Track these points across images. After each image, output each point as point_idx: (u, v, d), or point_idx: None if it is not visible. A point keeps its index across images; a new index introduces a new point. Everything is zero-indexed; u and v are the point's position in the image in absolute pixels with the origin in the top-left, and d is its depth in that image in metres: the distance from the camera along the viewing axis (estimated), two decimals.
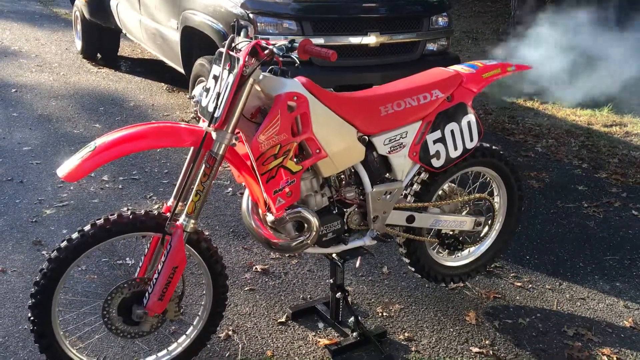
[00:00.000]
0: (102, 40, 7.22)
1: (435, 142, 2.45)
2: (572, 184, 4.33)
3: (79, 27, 7.36)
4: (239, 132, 2.13)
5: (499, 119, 5.87)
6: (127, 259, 3.06)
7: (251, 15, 3.95)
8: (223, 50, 2.06)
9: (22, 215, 3.51)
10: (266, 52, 1.99)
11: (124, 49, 7.91)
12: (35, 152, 4.47)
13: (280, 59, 2.00)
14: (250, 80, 2.00)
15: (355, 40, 4.27)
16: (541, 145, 5.15)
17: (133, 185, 3.98)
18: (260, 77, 2.08)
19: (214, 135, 2.03)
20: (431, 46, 4.70)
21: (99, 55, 7.36)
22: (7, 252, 3.12)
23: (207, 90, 2.12)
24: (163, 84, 6.43)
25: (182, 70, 5.10)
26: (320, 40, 4.16)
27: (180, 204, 2.14)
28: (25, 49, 7.72)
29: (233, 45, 2.11)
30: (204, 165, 2.04)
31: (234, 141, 2.03)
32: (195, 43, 4.76)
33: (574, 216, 3.80)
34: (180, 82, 6.26)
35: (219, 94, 2.00)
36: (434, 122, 2.44)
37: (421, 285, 2.96)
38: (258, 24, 3.95)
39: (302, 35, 4.02)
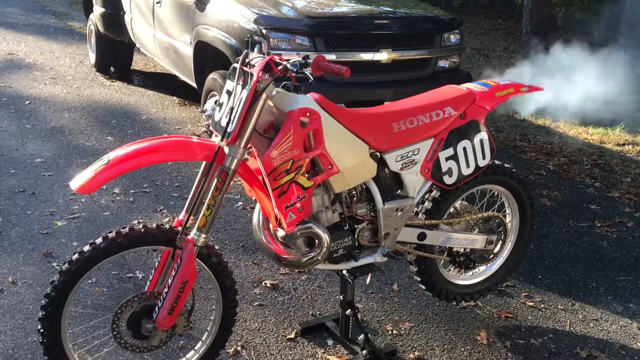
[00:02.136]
0: (115, 54, 7.29)
1: (447, 159, 2.44)
2: (584, 203, 4.29)
3: (93, 40, 7.45)
4: (251, 147, 2.13)
5: (510, 137, 5.85)
6: (137, 272, 3.06)
7: (264, 31, 3.98)
8: (237, 65, 2.07)
9: (33, 226, 3.52)
10: (280, 67, 2.00)
11: (137, 63, 7.99)
12: (47, 164, 4.50)
13: (294, 75, 2.00)
14: (264, 95, 2.01)
15: (367, 56, 4.28)
16: (553, 164, 5.13)
17: (144, 198, 3.99)
18: (274, 92, 2.08)
19: (226, 149, 2.03)
20: (443, 63, 4.71)
21: (112, 68, 7.43)
22: (18, 263, 3.13)
23: (220, 105, 2.13)
24: (175, 97, 6.48)
25: (194, 85, 5.14)
26: (332, 56, 4.17)
27: (191, 217, 2.14)
28: (40, 61, 7.81)
29: (247, 60, 2.12)
30: (215, 180, 2.04)
31: (246, 156, 2.04)
32: (208, 58, 4.79)
33: (587, 235, 3.76)
34: (191, 96, 6.30)
35: (232, 109, 2.01)
36: (447, 140, 2.43)
37: (432, 303, 2.93)
38: (271, 40, 3.98)
39: (315, 52, 4.04)
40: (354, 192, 2.36)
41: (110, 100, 6.27)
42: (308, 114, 2.08)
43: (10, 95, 6.20)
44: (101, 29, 7.00)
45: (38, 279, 2.99)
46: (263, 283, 3.04)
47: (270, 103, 2.12)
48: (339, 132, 2.20)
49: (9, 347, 2.49)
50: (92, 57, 7.56)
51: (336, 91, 4.06)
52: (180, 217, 2.19)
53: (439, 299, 2.80)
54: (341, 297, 2.50)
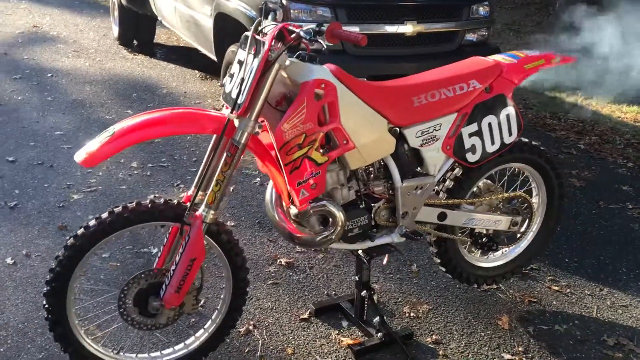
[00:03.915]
0: (138, 27, 7.23)
1: (471, 135, 2.32)
2: (615, 184, 4.11)
3: (116, 13, 7.40)
4: (263, 120, 2.04)
5: (539, 114, 5.64)
6: (151, 247, 3.01)
7: (284, 2, 3.85)
8: (249, 33, 1.97)
9: (49, 199, 3.50)
10: (293, 35, 1.89)
11: (160, 36, 7.92)
12: (67, 137, 4.47)
13: (308, 43, 1.89)
14: (276, 65, 1.90)
15: (391, 28, 4.12)
16: (584, 143, 4.93)
17: (161, 172, 3.93)
18: (287, 62, 1.97)
19: (236, 122, 1.94)
20: (470, 36, 4.52)
21: (135, 42, 7.38)
22: (33, 236, 3.11)
23: (232, 75, 2.03)
24: (196, 71, 6.40)
25: (214, 58, 5.04)
26: (355, 29, 4.03)
27: (200, 193, 2.06)
28: (64, 34, 7.78)
29: (260, 28, 2.01)
30: (225, 154, 1.95)
31: (257, 129, 1.94)
32: (228, 30, 4.68)
33: (617, 218, 3.60)
34: (213, 69, 6.21)
35: (242, 80, 1.91)
36: (471, 115, 2.30)
37: (452, 285, 2.83)
38: (291, 11, 3.85)
39: None
40: (371, 169, 2.26)
41: (132, 74, 6.22)
42: (323, 85, 1.97)
43: (33, 68, 6.19)
44: (124, 2, 6.92)
45: (52, 252, 2.96)
46: (278, 261, 2.96)
47: (284, 74, 2.01)
48: (356, 106, 2.08)
49: (20, 321, 2.46)
50: (115, 30, 7.50)
51: (358, 65, 3.92)
52: (190, 192, 2.11)
53: (460, 282, 2.69)
54: (357, 277, 2.41)
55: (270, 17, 2.08)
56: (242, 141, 1.93)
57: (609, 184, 4.11)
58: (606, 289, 2.87)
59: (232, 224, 3.32)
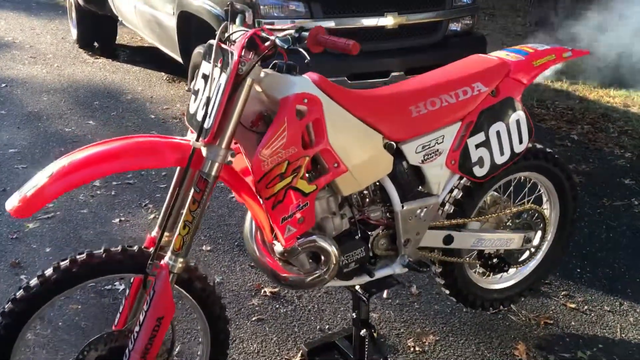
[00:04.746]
0: (98, 28, 6.78)
1: (477, 146, 2.01)
2: (617, 177, 3.86)
3: (74, 14, 6.94)
4: (236, 143, 1.70)
5: (526, 103, 5.38)
6: (117, 282, 2.66)
7: None
8: (214, 42, 1.63)
9: (2, 230, 3.12)
10: (267, 44, 1.56)
11: (123, 37, 7.48)
12: (21, 155, 4.07)
13: (285, 51, 1.56)
14: (248, 80, 1.57)
15: (370, 22, 3.81)
16: (576, 133, 4.68)
17: (127, 191, 3.57)
18: (262, 75, 1.64)
19: (204, 151, 1.60)
20: (455, 26, 4.22)
21: (96, 44, 6.93)
22: None
23: (196, 92, 1.69)
24: (163, 73, 6.00)
25: (180, 60, 4.67)
26: (330, 24, 3.71)
27: (166, 234, 1.73)
28: (20, 39, 7.31)
29: (227, 35, 1.68)
30: (193, 190, 1.61)
31: (229, 158, 1.60)
32: (193, 30, 4.32)
33: (624, 217, 3.34)
34: (180, 71, 5.81)
35: (208, 99, 1.57)
36: (477, 123, 1.99)
37: (458, 309, 2.54)
38: (261, 7, 3.50)
39: (311, 18, 3.56)
40: (365, 193, 1.94)
41: (93, 79, 5.81)
42: (306, 100, 1.65)
43: None
44: (81, 2, 6.47)
45: (3, 296, 2.59)
46: (262, 291, 2.64)
47: (258, 88, 1.68)
48: (346, 121, 1.76)
49: None
50: (74, 33, 7.05)
51: (336, 63, 3.59)
52: (153, 233, 1.77)
53: (465, 307, 2.39)
54: (354, 314, 2.10)
55: (238, 20, 1.74)
56: (212, 174, 1.59)
57: (609, 177, 3.86)
58: (626, 302, 2.61)
59: (208, 248, 2.98)
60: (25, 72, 5.98)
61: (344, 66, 3.67)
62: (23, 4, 9.49)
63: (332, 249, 1.78)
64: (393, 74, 3.88)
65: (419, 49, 4.02)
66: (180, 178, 1.67)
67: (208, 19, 3.89)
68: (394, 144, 1.89)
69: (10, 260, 2.86)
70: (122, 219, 3.26)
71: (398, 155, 1.91)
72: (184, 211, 1.62)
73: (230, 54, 1.56)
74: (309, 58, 1.50)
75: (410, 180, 1.95)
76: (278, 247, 1.78)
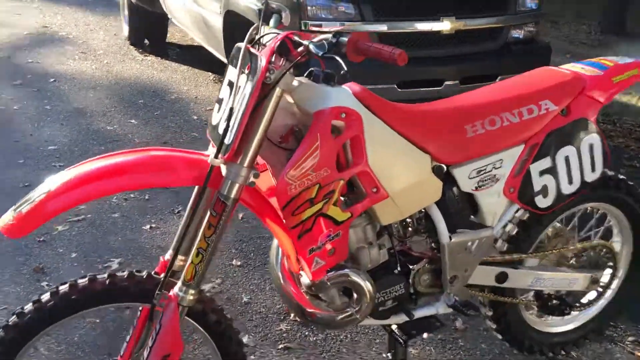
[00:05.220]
0: (149, 26, 6.74)
1: (542, 173, 1.74)
2: None
3: (126, 11, 6.94)
4: (261, 164, 1.50)
5: None
6: None
7: None
8: (241, 45, 1.43)
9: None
10: (300, 49, 1.34)
11: (174, 35, 7.43)
12: (60, 153, 4.00)
13: (321, 59, 1.34)
14: (277, 90, 1.36)
15: (425, 26, 3.55)
16: None
17: (162, 195, 3.43)
18: (294, 84, 1.43)
19: (223, 170, 1.40)
20: (517, 33, 3.92)
21: (146, 41, 6.89)
22: (3, 280, 2.64)
23: (220, 101, 1.49)
24: (210, 73, 5.89)
25: (225, 60, 4.52)
26: (382, 27, 3.48)
27: (180, 258, 1.53)
28: (73, 34, 7.36)
29: (257, 38, 1.47)
30: (209, 214, 1.42)
31: (252, 179, 1.40)
32: (239, 30, 4.15)
33: None
34: None
35: (231, 110, 1.37)
36: (542, 146, 1.73)
37: (508, 350, 2.26)
38: (309, 8, 3.31)
39: (361, 21, 3.34)
40: (408, 221, 1.70)
41: (141, 77, 5.75)
42: (343, 115, 1.43)
43: (35, 72, 5.75)
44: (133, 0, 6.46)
45: (21, 303, 2.46)
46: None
47: (290, 99, 1.47)
48: (389, 140, 1.53)
49: None
50: (126, 30, 7.04)
51: (384, 69, 3.34)
52: (167, 256, 1.58)
53: (520, 352, 2.12)
54: (389, 355, 1.86)
55: (272, 21, 1.53)
56: (232, 196, 1.39)
57: None
58: None
59: (238, 263, 2.80)
60: (74, 67, 5.98)
61: (394, 72, 3.42)
62: None
63: (367, 285, 1.56)
64: (447, 82, 3.61)
65: (476, 57, 3.75)
66: (197, 198, 1.47)
67: (254, 19, 3.72)
68: (444, 167, 1.64)
69: (34, 265, 2.75)
70: (153, 225, 3.12)
71: (448, 180, 1.66)
72: (198, 237, 1.42)
73: (258, 59, 1.35)
74: (345, 68, 1.28)
75: (461, 209, 1.70)
76: (305, 280, 1.56)
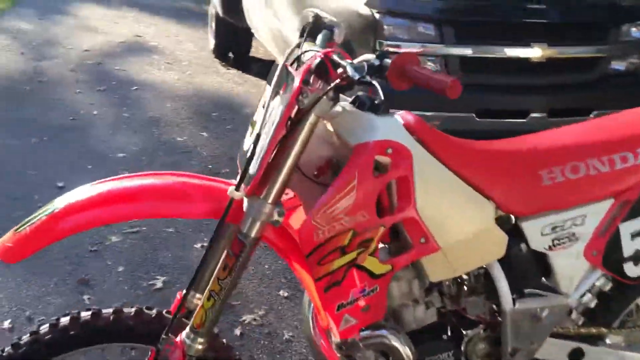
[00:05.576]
0: (234, 39, 6.81)
1: (634, 236, 1.45)
2: None
3: (213, 24, 7.05)
4: (290, 199, 1.31)
5: None
6: None
7: (377, 15, 3.11)
8: (280, 62, 1.25)
9: (84, 240, 2.97)
10: (340, 71, 1.14)
11: (259, 50, 7.44)
12: (127, 161, 4.00)
13: (360, 81, 1.13)
14: (312, 116, 1.17)
15: (513, 52, 3.25)
16: None
17: None
18: (337, 109, 1.23)
19: (245, 204, 1.22)
20: (618, 65, 3.52)
21: (230, 54, 6.97)
22: (46, 291, 2.58)
23: (253, 124, 1.32)
24: None
25: None
26: (466, 51, 3.21)
27: (196, 297, 1.36)
28: (162, 45, 7.54)
29: (298, 54, 1.29)
30: (225, 253, 1.23)
31: (276, 218, 1.20)
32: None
33: None
34: None
35: (258, 137, 1.19)
36: (637, 203, 1.42)
37: None
38: (385, 27, 3.11)
39: (441, 43, 3.10)
40: (465, 277, 1.45)
41: (219, 90, 5.76)
42: (390, 150, 1.21)
43: (120, 80, 5.89)
44: (220, 12, 6.53)
45: (58, 311, 2.40)
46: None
47: (330, 127, 1.27)
48: (445, 182, 1.30)
49: None
50: (212, 42, 7.14)
51: (462, 95, 3.08)
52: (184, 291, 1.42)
53: None
54: None
55: (320, 37, 1.34)
56: (252, 235, 1.21)
57: None
58: None
59: (285, 294, 2.61)
60: (158, 76, 6.08)
61: (472, 99, 3.14)
62: (175, 11, 9.91)
63: (406, 351, 1.32)
64: (533, 114, 3.28)
65: (568, 88, 3.39)
66: (216, 232, 1.30)
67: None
68: (512, 219, 1.38)
69: (80, 276, 2.69)
70: (205, 244, 3.00)
71: (515, 234, 1.40)
72: (211, 279, 1.24)
73: (292, 80, 1.16)
74: (382, 98, 1.06)
75: (530, 270, 1.44)
76: (335, 337, 1.34)
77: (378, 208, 1.22)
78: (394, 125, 1.24)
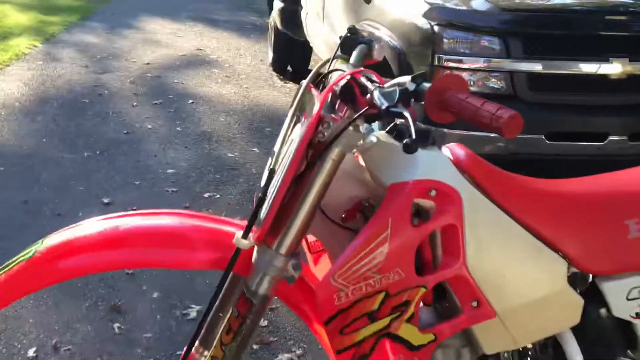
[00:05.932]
0: (292, 53, 6.73)
1: None
2: None
3: (272, 38, 7.01)
4: (315, 247, 1.09)
5: None
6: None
7: (436, 28, 2.86)
8: (305, 82, 1.04)
9: None
10: (368, 97, 0.92)
11: (318, 63, 7.32)
12: (176, 178, 3.90)
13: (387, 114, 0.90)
14: (335, 150, 0.95)
15: (589, 68, 2.92)
16: None
17: None
18: (371, 140, 1.00)
19: (254, 255, 1.01)
20: None
21: (289, 68, 6.88)
22: (78, 316, 2.46)
23: (273, 155, 1.11)
24: None
25: None
26: (536, 67, 2.92)
27: (205, 354, 1.16)
28: (223, 58, 7.54)
29: (325, 72, 1.07)
30: (230, 312, 1.03)
31: (291, 273, 0.98)
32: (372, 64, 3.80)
33: None
34: None
35: (272, 173, 0.98)
36: None
37: None
38: (444, 41, 2.86)
39: (507, 58, 2.81)
40: (529, 346, 1.18)
41: (274, 104, 5.64)
42: (434, 192, 0.98)
43: (177, 93, 5.88)
44: (279, 26, 6.46)
45: (87, 346, 2.27)
46: None
47: (361, 161, 1.04)
48: (504, 233, 1.04)
49: None
50: (270, 56, 7.10)
51: (529, 114, 2.78)
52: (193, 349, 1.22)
53: None
54: None
55: (355, 54, 1.13)
56: (260, 292, 0.99)
57: None
58: None
59: (299, 352, 2.35)
60: (215, 90, 6.03)
61: (542, 120, 2.83)
62: (238, 24, 9.95)
63: None
64: (611, 137, 2.93)
65: None
66: (221, 285, 1.09)
67: (387, 54, 3.34)
68: (589, 278, 1.11)
69: (113, 301, 2.56)
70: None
71: (592, 296, 1.12)
72: (214, 344, 1.03)
73: (314, 105, 0.95)
74: (414, 136, 0.82)
75: (610, 341, 1.15)
76: None
77: (417, 264, 0.99)
78: (440, 161, 1.01)
